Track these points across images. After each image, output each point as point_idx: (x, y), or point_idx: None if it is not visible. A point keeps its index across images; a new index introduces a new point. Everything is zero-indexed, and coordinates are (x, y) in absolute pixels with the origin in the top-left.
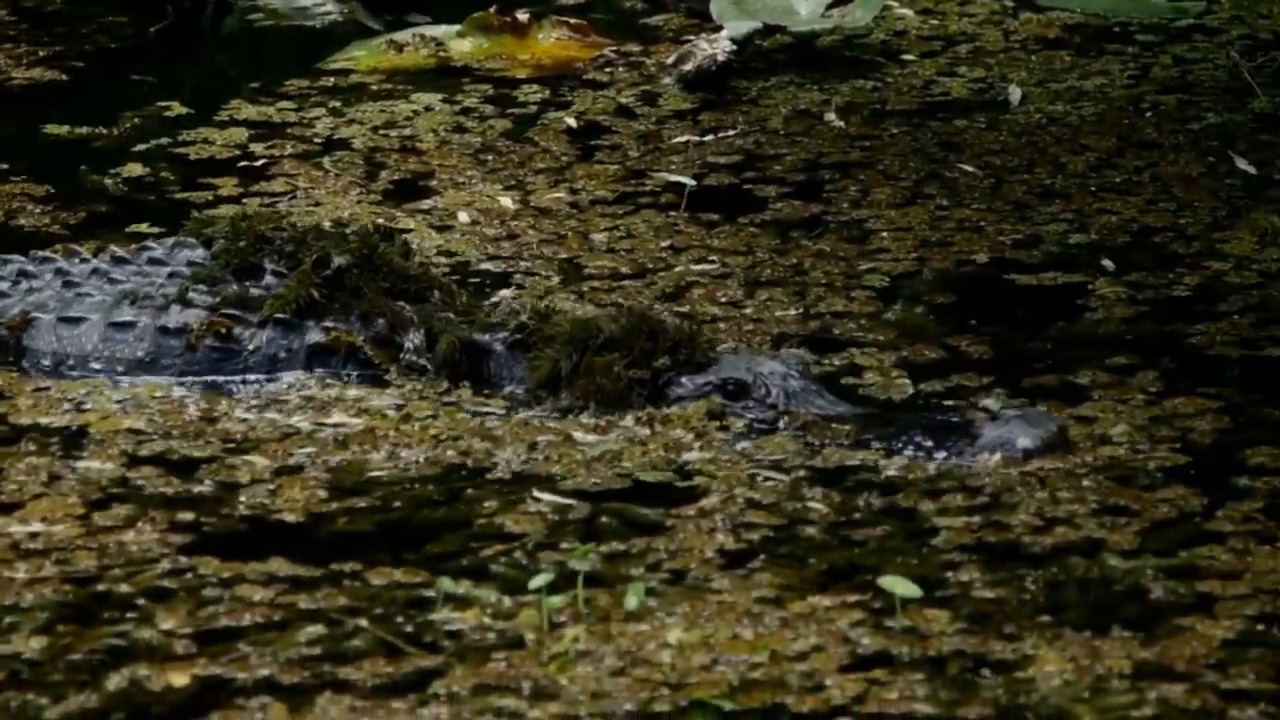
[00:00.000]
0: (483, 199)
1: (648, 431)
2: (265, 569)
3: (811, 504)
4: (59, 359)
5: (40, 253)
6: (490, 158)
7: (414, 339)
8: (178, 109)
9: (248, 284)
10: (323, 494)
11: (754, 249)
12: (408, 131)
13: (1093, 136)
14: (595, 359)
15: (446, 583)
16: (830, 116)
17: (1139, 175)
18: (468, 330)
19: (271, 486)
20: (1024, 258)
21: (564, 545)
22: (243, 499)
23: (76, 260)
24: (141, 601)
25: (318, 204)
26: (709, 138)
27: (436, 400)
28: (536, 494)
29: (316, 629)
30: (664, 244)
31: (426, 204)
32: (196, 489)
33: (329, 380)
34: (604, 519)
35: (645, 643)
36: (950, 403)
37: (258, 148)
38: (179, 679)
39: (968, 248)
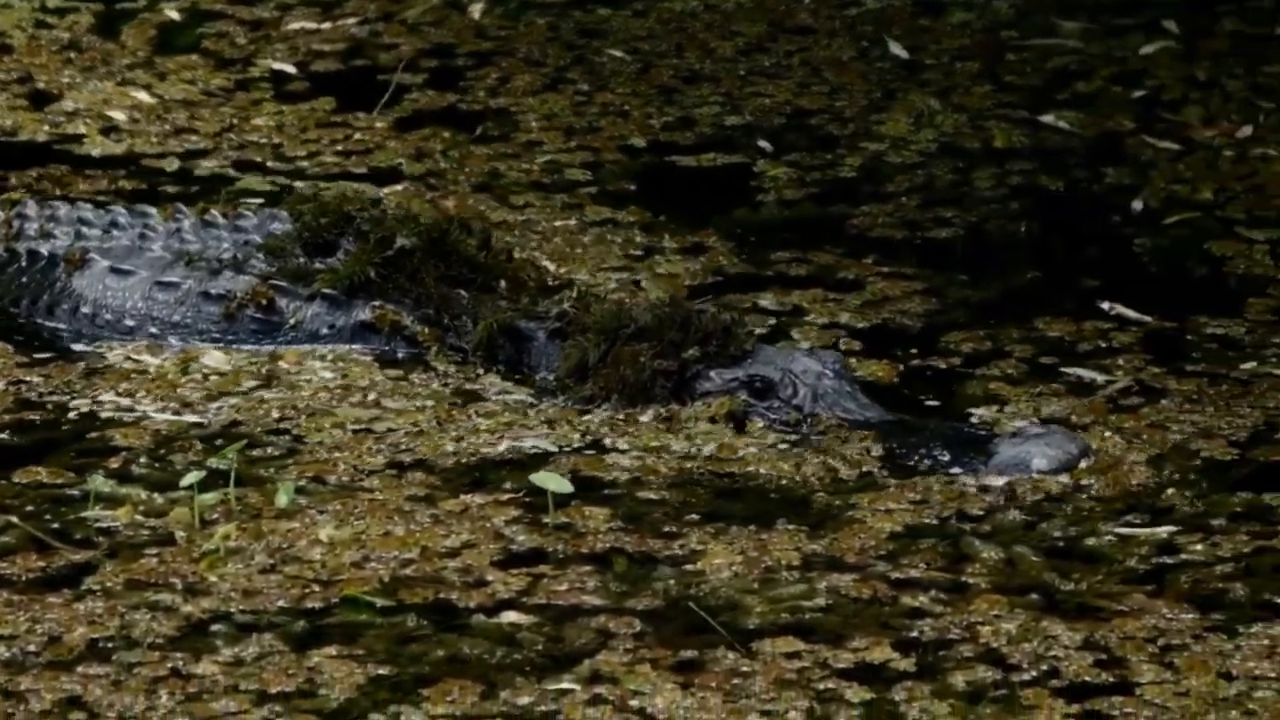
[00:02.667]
0: (118, 96)
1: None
2: None
3: (480, 419)
4: (98, 307)
5: (141, 207)
6: (81, 53)
7: (456, 323)
8: None
9: (315, 259)
10: None
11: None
12: None
13: (744, 22)
14: (623, 349)
15: (98, 480)
16: (474, 8)
17: (789, 59)
18: (511, 316)
19: None
20: (679, 140)
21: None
22: None
23: (173, 219)
24: None
25: None
26: (326, 25)
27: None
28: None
29: None
30: (310, 134)
31: (66, 106)
32: None
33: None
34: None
35: (296, 540)
36: (982, 417)
37: None
38: None
39: (616, 132)
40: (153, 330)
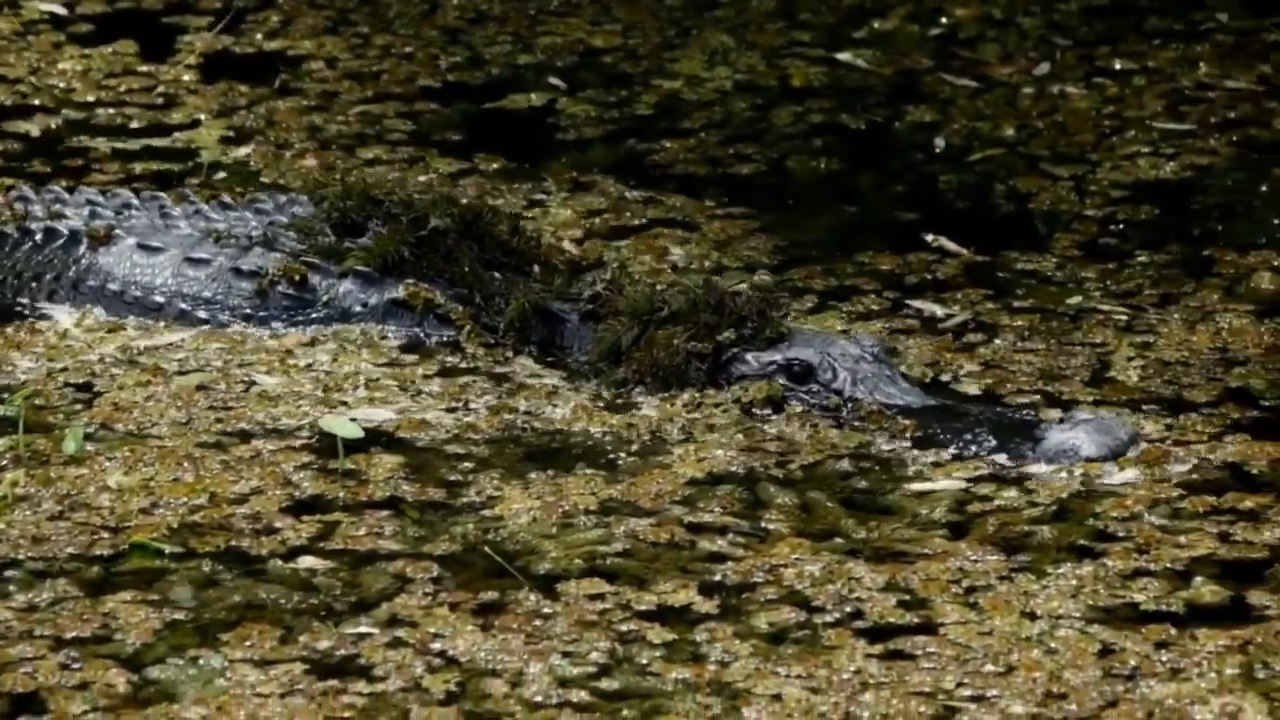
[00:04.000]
0: None
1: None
2: None
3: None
4: (126, 284)
5: (151, 192)
6: None
7: (489, 304)
8: None
9: (345, 239)
10: None
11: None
12: None
13: None
14: (657, 332)
15: None
16: None
17: None
18: (544, 298)
19: None
20: (469, 80)
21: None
22: None
23: (185, 202)
24: None
25: None
26: None
27: None
28: None
29: None
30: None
31: None
32: None
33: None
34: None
35: (85, 486)
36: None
37: None
38: None
39: (399, 74)
40: (183, 306)
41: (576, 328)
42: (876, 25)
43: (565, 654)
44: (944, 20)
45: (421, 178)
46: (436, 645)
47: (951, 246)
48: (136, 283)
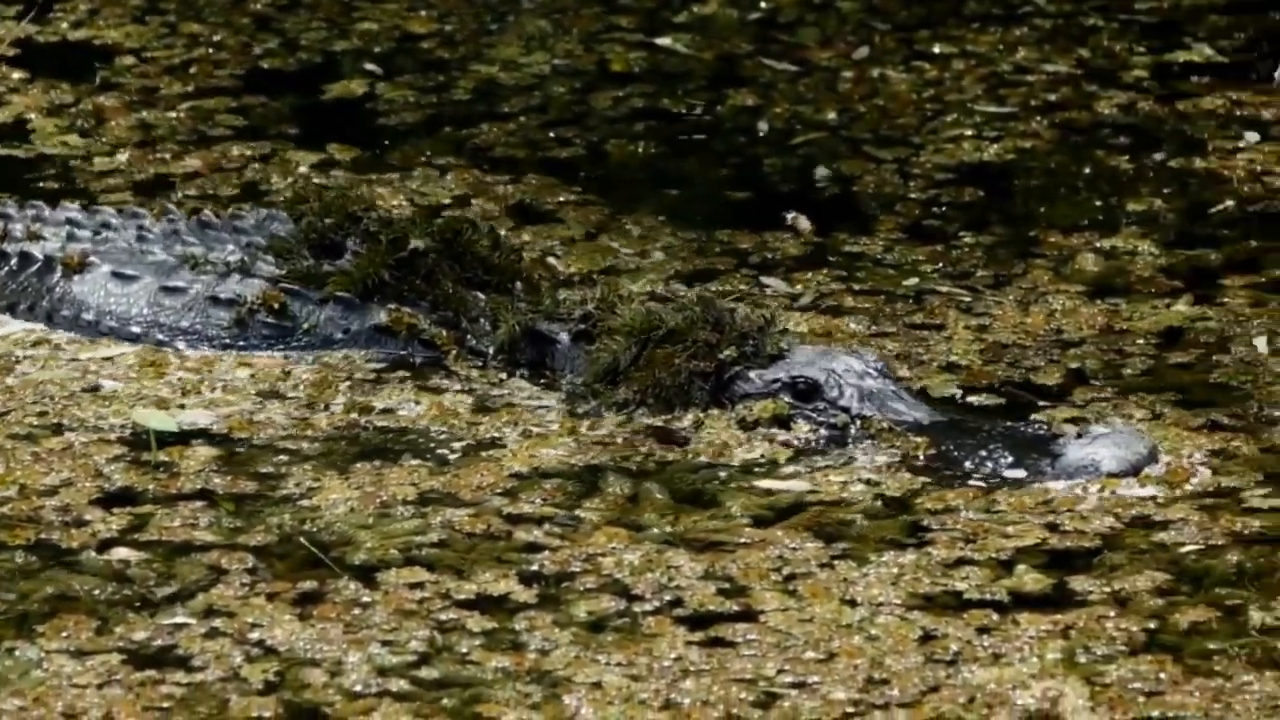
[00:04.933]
0: None
1: None
2: None
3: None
4: (101, 314)
5: (132, 208)
6: None
7: (474, 325)
8: None
9: (323, 261)
10: None
11: None
12: None
13: None
14: (656, 351)
15: None
16: None
17: None
18: (533, 319)
19: None
20: (284, 67)
21: None
22: None
23: (164, 219)
24: None
25: None
26: None
27: None
28: None
29: None
30: None
31: None
32: None
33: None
34: None
35: None
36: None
37: None
38: None
39: (215, 65)
40: (160, 337)
41: (568, 348)
42: (695, 10)
43: (384, 643)
44: (763, 5)
45: (290, 177)
46: (254, 635)
47: (805, 225)
48: (112, 312)
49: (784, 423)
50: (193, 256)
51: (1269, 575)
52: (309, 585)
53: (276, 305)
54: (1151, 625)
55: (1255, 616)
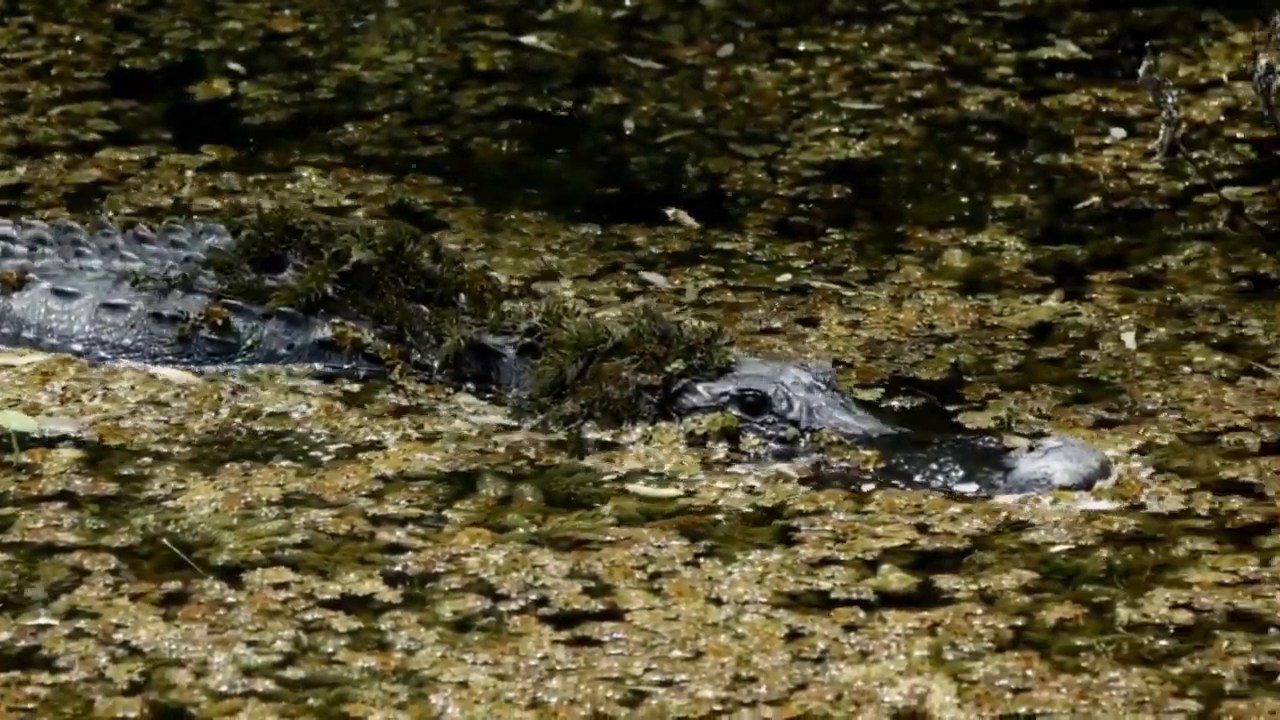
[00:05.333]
0: None
1: None
2: None
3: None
4: (42, 331)
5: (66, 222)
6: None
7: (419, 339)
8: None
9: (265, 275)
10: None
11: None
12: None
13: None
14: (603, 365)
15: None
16: None
17: None
18: (478, 332)
19: None
20: (146, 67)
21: None
22: None
23: (98, 233)
24: None
25: None
26: None
27: None
28: None
29: None
30: None
31: None
32: None
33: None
34: None
35: None
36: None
37: None
38: None
39: (76, 67)
40: (102, 354)
41: (513, 362)
42: (560, 8)
43: (250, 643)
44: (627, 3)
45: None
46: (119, 636)
47: (689, 221)
48: (53, 330)
49: (733, 436)
50: (133, 272)
51: (1138, 573)
52: (173, 586)
53: (220, 321)
54: (1019, 622)
55: (1123, 613)
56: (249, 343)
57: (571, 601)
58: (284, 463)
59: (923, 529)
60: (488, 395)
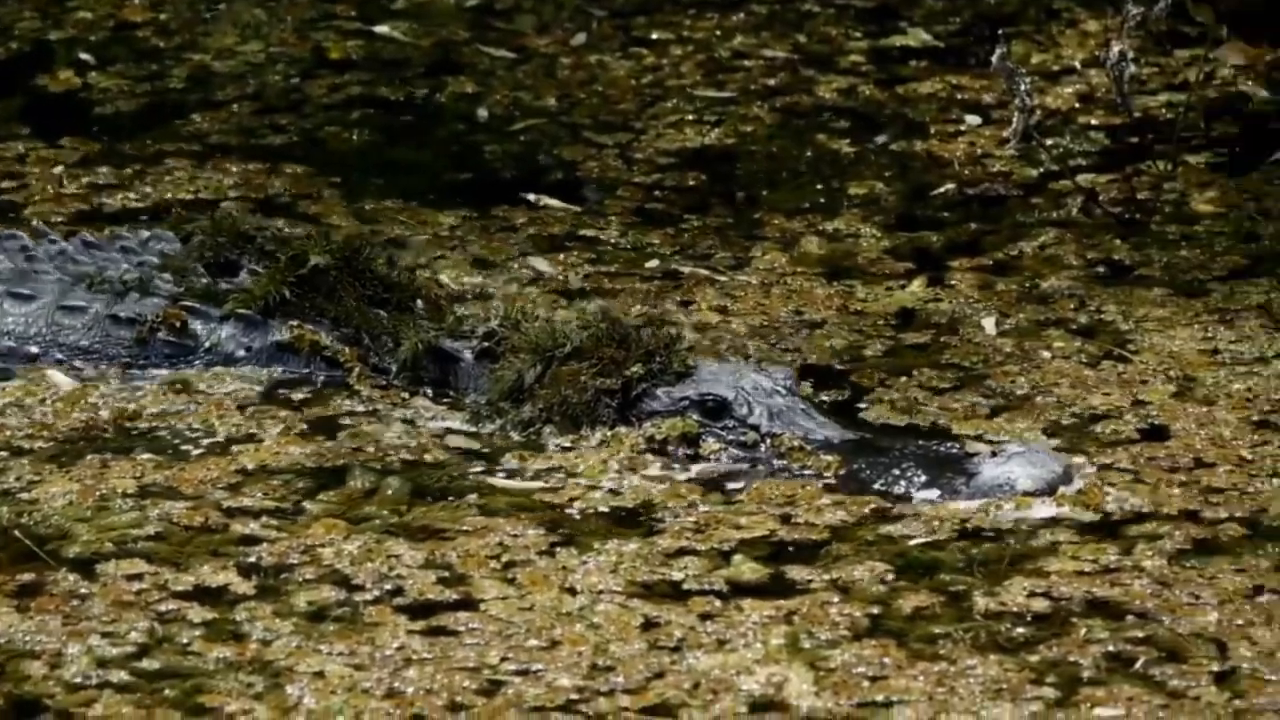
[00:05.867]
0: None
1: None
2: None
3: None
4: None
5: (7, 231)
6: None
7: (377, 343)
8: None
9: (220, 279)
10: None
11: None
12: None
13: None
14: (561, 369)
15: None
16: None
17: None
18: (436, 336)
19: None
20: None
21: None
22: None
23: (44, 240)
24: None
25: None
26: None
27: None
28: None
29: None
30: None
31: None
32: None
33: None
34: None
35: None
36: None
37: None
38: None
39: None
40: (59, 356)
41: (471, 366)
42: None
43: (104, 634)
44: None
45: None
46: None
47: (556, 204)
48: (9, 332)
49: (693, 441)
50: (89, 275)
51: (995, 563)
52: (27, 577)
53: (178, 323)
54: (875, 611)
55: (980, 602)
56: (207, 345)
57: (426, 591)
58: (144, 456)
59: (786, 519)
60: (445, 400)
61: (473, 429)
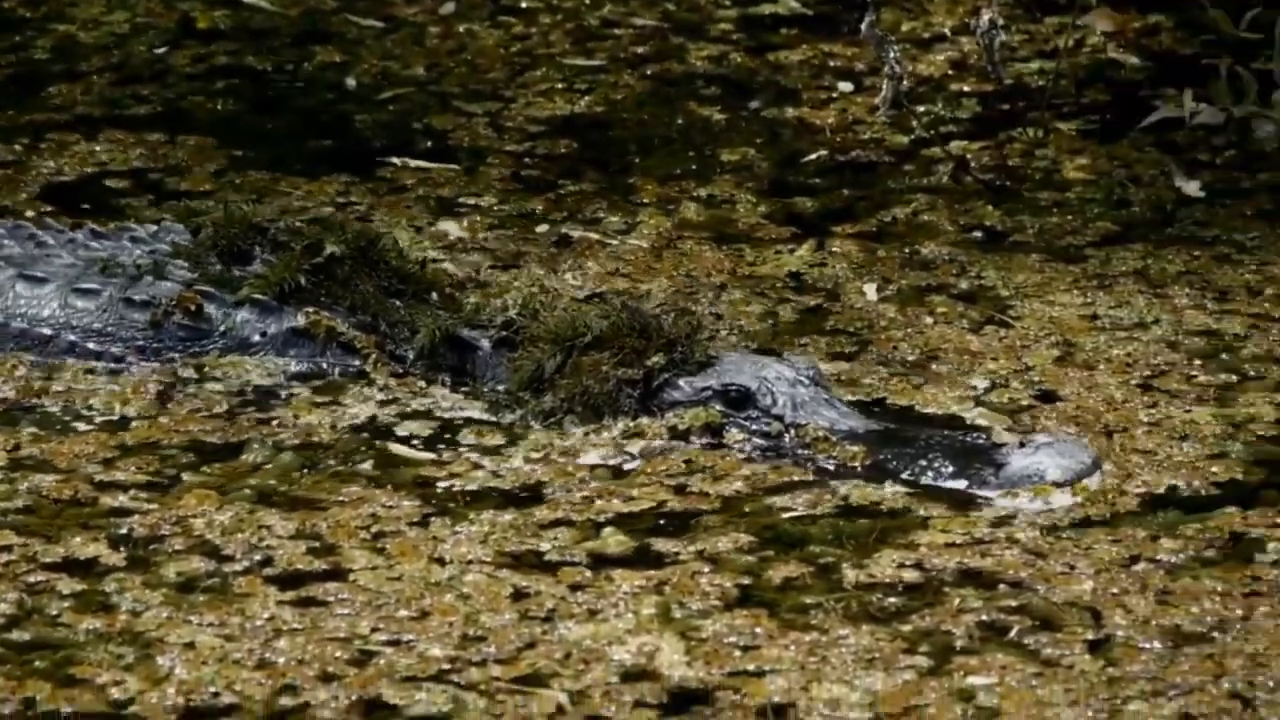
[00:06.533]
0: None
1: None
2: None
3: None
4: (10, 316)
5: (14, 221)
6: None
7: (393, 330)
8: None
9: (234, 267)
10: None
11: None
12: None
13: None
14: (582, 358)
15: None
16: None
17: None
18: (453, 324)
19: None
20: None
21: None
22: None
23: (51, 231)
24: None
25: None
26: None
27: None
28: None
29: None
30: None
31: None
32: None
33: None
34: None
35: None
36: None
37: None
38: None
39: None
40: (72, 339)
41: (489, 355)
42: None
43: None
44: None
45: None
46: None
47: (430, 165)
48: (22, 314)
49: (716, 431)
50: (101, 259)
51: (865, 536)
52: None
53: (193, 307)
54: (745, 581)
55: (850, 574)
56: (222, 329)
57: (296, 562)
58: (24, 430)
59: (680, 490)
60: (463, 388)
61: (492, 418)
